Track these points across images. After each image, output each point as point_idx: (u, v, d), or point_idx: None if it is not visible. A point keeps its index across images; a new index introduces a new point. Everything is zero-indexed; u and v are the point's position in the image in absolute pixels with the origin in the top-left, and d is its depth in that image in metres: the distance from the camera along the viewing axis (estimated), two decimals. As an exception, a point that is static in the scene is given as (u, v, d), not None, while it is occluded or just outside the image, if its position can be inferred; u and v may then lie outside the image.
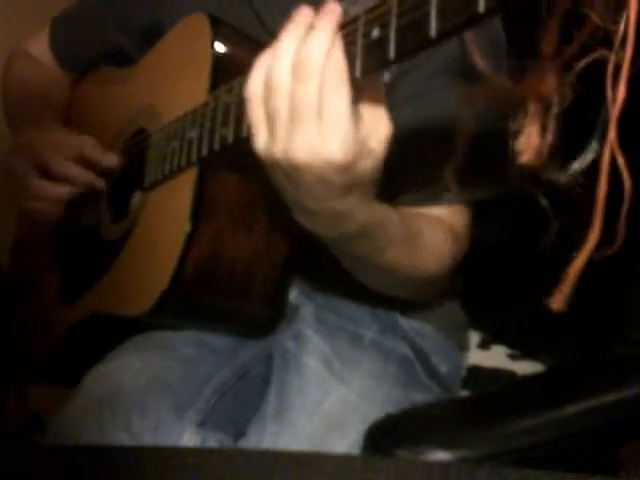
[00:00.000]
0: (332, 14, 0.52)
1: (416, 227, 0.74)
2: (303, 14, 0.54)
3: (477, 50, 0.54)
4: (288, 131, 0.53)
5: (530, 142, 0.47)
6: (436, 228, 0.77)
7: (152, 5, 0.94)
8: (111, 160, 0.92)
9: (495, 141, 0.54)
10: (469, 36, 0.56)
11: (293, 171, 0.55)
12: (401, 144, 0.59)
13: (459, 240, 0.80)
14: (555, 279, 0.44)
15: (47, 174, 0.91)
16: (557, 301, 0.44)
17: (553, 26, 0.43)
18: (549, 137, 0.46)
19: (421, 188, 0.79)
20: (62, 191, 0.92)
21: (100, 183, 0.93)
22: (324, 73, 0.51)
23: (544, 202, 0.53)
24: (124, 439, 0.75)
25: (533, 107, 0.47)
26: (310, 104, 0.51)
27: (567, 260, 0.43)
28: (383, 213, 0.65)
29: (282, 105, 0.53)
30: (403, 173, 0.76)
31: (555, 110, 0.46)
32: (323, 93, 0.51)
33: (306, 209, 0.60)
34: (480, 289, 1.01)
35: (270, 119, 0.54)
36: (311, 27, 0.52)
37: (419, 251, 0.74)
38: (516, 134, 0.48)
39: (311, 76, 0.51)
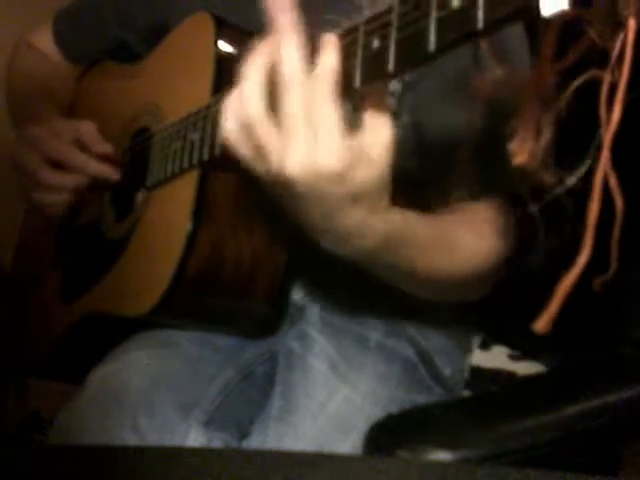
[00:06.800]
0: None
1: (450, 227, 0.72)
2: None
3: (491, 52, 0.53)
4: (280, 152, 0.52)
5: (525, 145, 0.47)
6: (472, 225, 0.75)
7: (158, 4, 0.95)
8: (104, 147, 0.91)
9: (500, 140, 0.54)
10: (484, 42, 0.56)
11: (293, 190, 0.54)
12: (415, 151, 0.58)
13: (501, 234, 0.76)
14: (555, 279, 0.43)
15: (55, 164, 0.90)
16: (543, 322, 0.41)
17: (551, 34, 0.43)
18: (544, 141, 0.46)
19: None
20: (71, 180, 0.91)
21: (110, 172, 0.91)
22: (309, 84, 0.50)
23: (534, 209, 0.52)
24: (130, 439, 0.75)
25: (530, 109, 0.47)
26: (297, 116, 0.51)
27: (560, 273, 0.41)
28: (406, 220, 0.63)
29: (267, 132, 0.53)
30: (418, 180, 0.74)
31: (552, 114, 0.45)
32: (311, 104, 0.50)
33: (320, 229, 0.59)
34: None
35: (259, 149, 0.54)
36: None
37: (455, 252, 0.72)
38: (511, 136, 0.48)
39: (292, 88, 0.50)
